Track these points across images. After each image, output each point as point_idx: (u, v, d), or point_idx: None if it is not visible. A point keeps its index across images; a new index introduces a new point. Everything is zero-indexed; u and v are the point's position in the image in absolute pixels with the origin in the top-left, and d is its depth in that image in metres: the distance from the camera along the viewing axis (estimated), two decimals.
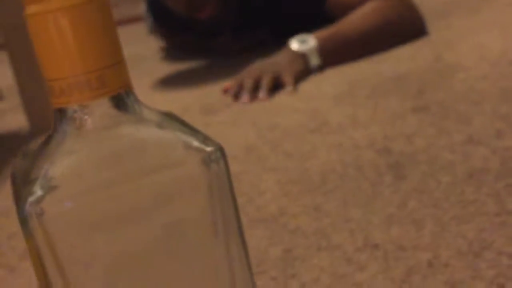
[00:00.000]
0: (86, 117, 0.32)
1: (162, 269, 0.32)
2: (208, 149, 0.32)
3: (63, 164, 0.31)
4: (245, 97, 1.34)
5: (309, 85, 1.37)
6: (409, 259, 0.67)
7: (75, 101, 0.32)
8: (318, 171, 0.92)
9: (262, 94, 1.34)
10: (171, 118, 0.34)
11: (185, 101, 1.45)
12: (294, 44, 1.44)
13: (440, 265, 0.64)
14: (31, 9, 0.31)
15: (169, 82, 1.64)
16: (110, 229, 0.30)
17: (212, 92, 1.47)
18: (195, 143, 0.32)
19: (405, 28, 1.49)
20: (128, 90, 0.33)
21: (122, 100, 0.33)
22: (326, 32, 1.46)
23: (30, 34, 0.31)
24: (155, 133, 0.32)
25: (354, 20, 1.48)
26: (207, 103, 1.39)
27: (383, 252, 0.69)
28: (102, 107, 0.32)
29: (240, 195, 0.91)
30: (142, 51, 2.21)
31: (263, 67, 1.41)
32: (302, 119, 1.16)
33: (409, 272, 0.64)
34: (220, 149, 0.32)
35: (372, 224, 0.75)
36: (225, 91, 1.42)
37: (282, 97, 1.32)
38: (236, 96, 1.37)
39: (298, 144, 1.05)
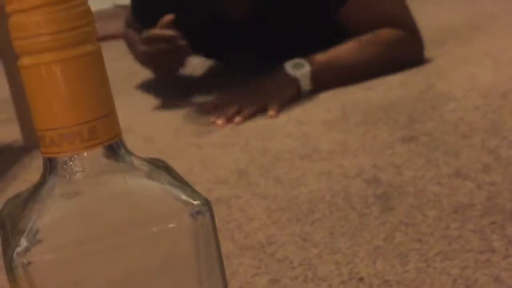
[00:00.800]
0: (76, 167, 0.33)
1: None
2: (196, 202, 0.33)
3: (51, 215, 0.31)
4: (221, 122, 1.36)
5: (300, 109, 1.37)
6: None
7: (66, 151, 0.32)
8: (307, 199, 0.93)
9: (238, 119, 1.35)
10: (160, 168, 0.34)
11: (177, 122, 1.46)
12: (289, 68, 1.44)
13: None
14: (24, 60, 0.32)
15: (161, 99, 1.64)
16: (96, 282, 0.31)
17: (204, 112, 1.47)
18: (183, 196, 0.33)
19: (405, 58, 1.49)
20: (118, 140, 0.34)
21: (112, 150, 0.33)
22: (323, 57, 1.45)
23: (23, 83, 0.32)
24: (144, 184, 0.33)
25: (354, 48, 1.46)
26: (200, 123, 1.39)
27: (368, 286, 0.70)
28: (93, 158, 0.33)
29: (229, 221, 0.91)
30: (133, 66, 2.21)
31: (251, 93, 1.42)
32: (293, 144, 1.17)
33: None
34: (207, 203, 0.33)
35: (358, 257, 0.76)
36: (209, 108, 1.44)
37: (274, 120, 1.33)
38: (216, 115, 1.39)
39: (288, 171, 1.05)
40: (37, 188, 0.33)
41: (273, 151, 1.15)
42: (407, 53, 1.50)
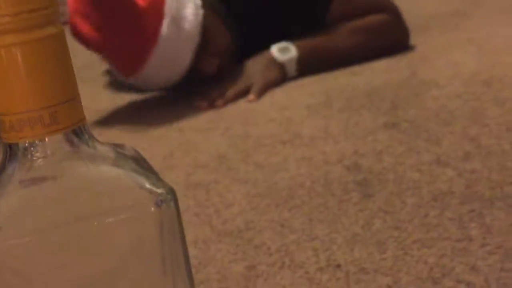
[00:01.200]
0: (37, 154, 0.32)
1: None
2: (160, 191, 0.32)
3: (10, 202, 0.31)
4: (202, 104, 1.36)
5: (284, 93, 1.37)
6: (370, 282, 0.67)
7: (27, 137, 0.31)
8: (287, 185, 0.93)
9: (219, 102, 1.35)
10: (126, 155, 0.34)
11: (160, 106, 1.45)
12: (275, 52, 1.44)
13: None
14: None
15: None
16: (55, 268, 0.30)
17: (187, 99, 1.46)
18: (147, 185, 0.32)
19: (390, 43, 1.49)
20: (82, 126, 0.33)
21: (75, 136, 0.32)
22: (310, 43, 1.45)
23: None
24: (108, 172, 0.32)
25: (342, 34, 1.46)
26: (182, 107, 1.38)
27: (345, 274, 0.70)
28: (55, 144, 0.32)
29: (208, 206, 0.91)
30: None
31: (235, 77, 1.42)
32: (275, 129, 1.16)
33: None
34: (172, 191, 0.33)
35: (336, 244, 0.76)
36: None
37: (257, 105, 1.32)
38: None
39: (269, 156, 1.05)
40: None
41: (254, 136, 1.15)
42: (392, 38, 1.50)
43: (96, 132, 1.28)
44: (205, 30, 1.40)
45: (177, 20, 1.35)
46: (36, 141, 0.32)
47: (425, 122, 1.07)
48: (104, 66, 1.71)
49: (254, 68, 1.43)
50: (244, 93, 1.39)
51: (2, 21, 0.30)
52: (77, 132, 0.33)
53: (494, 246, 0.70)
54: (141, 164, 0.34)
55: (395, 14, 1.50)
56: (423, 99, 1.18)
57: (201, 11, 1.39)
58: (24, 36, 0.31)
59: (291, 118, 1.21)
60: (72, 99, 0.32)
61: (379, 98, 1.22)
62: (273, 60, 1.43)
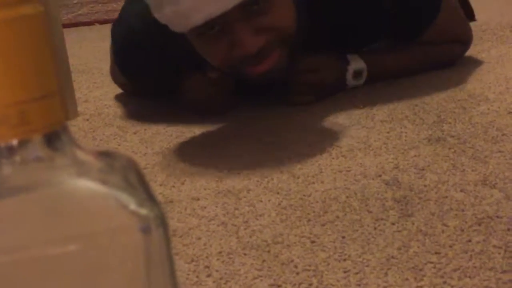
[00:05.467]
0: (3, 160, 0.26)
1: None
2: (146, 213, 0.27)
3: None
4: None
5: (325, 99, 1.30)
6: None
7: None
8: (320, 198, 0.87)
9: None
10: (112, 167, 0.28)
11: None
12: (349, 75, 1.31)
13: None
14: None
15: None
16: None
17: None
18: (132, 206, 0.27)
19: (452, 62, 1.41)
20: (60, 129, 0.27)
21: (50, 141, 0.27)
22: (382, 67, 1.33)
23: None
24: (87, 187, 0.27)
25: (413, 58, 1.36)
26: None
27: None
28: (25, 149, 0.27)
29: (236, 215, 0.86)
30: None
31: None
32: (312, 138, 1.11)
33: None
34: (160, 214, 0.27)
35: (369, 266, 0.70)
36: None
37: (293, 110, 1.26)
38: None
39: (305, 165, 0.99)
40: None
41: (290, 144, 1.09)
42: (453, 63, 1.41)
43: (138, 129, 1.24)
44: None
45: None
46: (2, 145, 0.27)
47: (472, 139, 1.01)
48: None
49: (323, 70, 1.28)
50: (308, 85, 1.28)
51: None
52: (53, 136, 0.27)
53: None
54: (130, 179, 0.28)
55: (467, 44, 1.42)
56: (471, 114, 1.11)
57: None
58: None
59: (330, 127, 1.15)
60: (48, 95, 0.27)
61: (424, 111, 1.16)
62: (343, 75, 1.31)
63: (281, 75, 1.18)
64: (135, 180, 0.28)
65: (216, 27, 1.09)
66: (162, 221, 0.27)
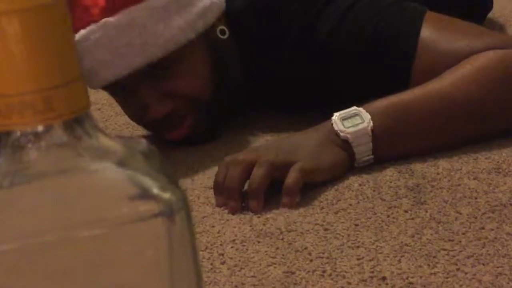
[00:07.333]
0: (27, 145, 0.27)
1: None
2: (169, 197, 0.27)
3: None
4: (232, 204, 0.85)
5: None
6: None
7: (15, 125, 0.27)
8: (333, 186, 0.87)
9: (252, 205, 0.84)
10: (134, 152, 0.28)
11: None
12: (337, 120, 0.90)
13: None
14: None
15: None
16: (40, 284, 0.26)
17: None
18: (155, 189, 0.27)
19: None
20: (83, 115, 0.28)
21: (75, 127, 0.27)
22: (384, 103, 0.92)
23: None
24: (110, 171, 0.27)
25: (430, 89, 0.92)
26: None
27: (390, 287, 0.64)
28: (50, 135, 0.27)
29: None
30: None
31: (273, 148, 0.90)
32: None
33: None
34: (183, 198, 0.27)
35: (382, 254, 0.70)
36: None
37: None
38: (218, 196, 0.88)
39: None
40: None
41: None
42: None
43: None
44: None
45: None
46: (27, 131, 0.27)
47: None
48: None
49: (304, 142, 0.90)
50: (280, 171, 0.85)
51: None
52: (77, 121, 0.27)
53: None
54: (152, 164, 0.29)
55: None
56: None
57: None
58: (16, 4, 0.26)
59: None
60: (71, 82, 0.27)
61: None
62: (333, 133, 0.90)
63: (206, 138, 1.11)
64: (157, 165, 0.29)
65: (121, 89, 1.05)
66: (185, 205, 0.27)
